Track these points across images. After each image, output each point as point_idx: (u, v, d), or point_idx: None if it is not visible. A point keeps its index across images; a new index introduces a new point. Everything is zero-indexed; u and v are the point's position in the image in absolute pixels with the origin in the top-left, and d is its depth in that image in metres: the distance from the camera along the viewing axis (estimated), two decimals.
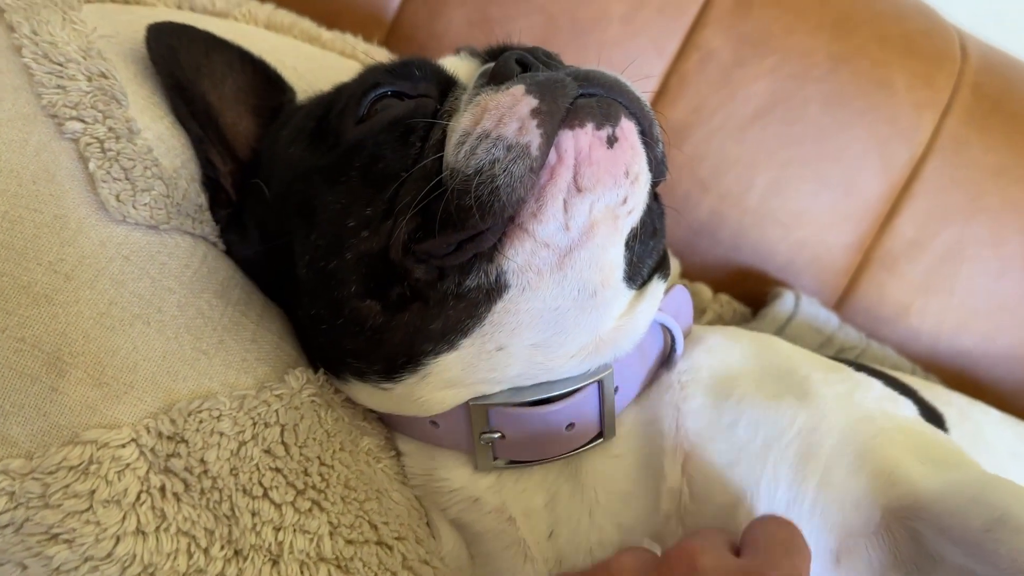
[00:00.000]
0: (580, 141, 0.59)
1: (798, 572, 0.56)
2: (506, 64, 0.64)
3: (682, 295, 0.79)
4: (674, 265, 1.19)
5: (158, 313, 0.65)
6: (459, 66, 0.73)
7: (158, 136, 0.72)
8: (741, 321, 1.21)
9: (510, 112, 0.59)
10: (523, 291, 0.62)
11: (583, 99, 0.60)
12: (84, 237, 0.64)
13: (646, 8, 1.19)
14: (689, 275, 1.23)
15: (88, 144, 0.66)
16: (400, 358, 0.66)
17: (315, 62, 0.92)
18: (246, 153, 0.80)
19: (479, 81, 0.65)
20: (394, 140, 0.66)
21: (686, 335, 0.77)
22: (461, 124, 0.62)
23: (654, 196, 0.72)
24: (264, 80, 0.84)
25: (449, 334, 0.64)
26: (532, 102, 0.59)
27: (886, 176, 1.22)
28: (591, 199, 0.60)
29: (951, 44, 1.24)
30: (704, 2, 1.19)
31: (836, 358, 1.15)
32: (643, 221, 0.66)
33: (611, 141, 0.60)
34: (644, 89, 1.20)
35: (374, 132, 0.67)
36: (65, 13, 0.74)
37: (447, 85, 0.70)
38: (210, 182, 0.76)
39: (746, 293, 1.23)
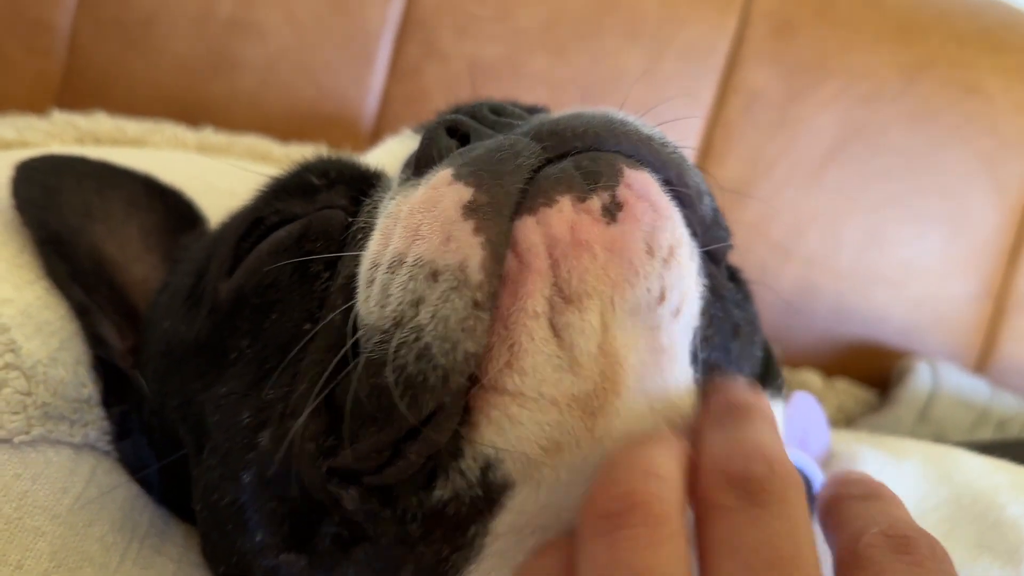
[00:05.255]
0: (553, 227, 0.36)
1: None
2: (431, 141, 0.41)
3: (807, 407, 0.55)
4: None
5: (16, 572, 0.42)
6: (398, 153, 0.48)
7: (23, 310, 0.51)
8: (867, 410, 1.01)
9: (430, 217, 0.36)
10: (539, 485, 0.37)
11: (551, 166, 0.37)
12: None
13: (666, 56, 1.00)
14: (790, 361, 1.02)
15: None
16: None
17: (259, 181, 0.71)
18: None
19: (403, 174, 0.42)
20: (285, 282, 0.43)
21: (826, 462, 0.51)
22: (370, 249, 0.39)
23: (729, 274, 0.47)
24: (180, 216, 0.63)
25: None
26: (464, 193, 0.36)
27: (1001, 198, 1.04)
28: (597, 307, 0.36)
29: None
30: (735, 35, 0.99)
31: (1001, 439, 0.92)
32: (711, 316, 0.41)
33: (610, 211, 0.36)
34: (684, 148, 0.98)
35: (250, 277, 0.44)
36: None
37: (367, 187, 0.46)
38: (104, 364, 0.54)
39: (866, 373, 1.03)
